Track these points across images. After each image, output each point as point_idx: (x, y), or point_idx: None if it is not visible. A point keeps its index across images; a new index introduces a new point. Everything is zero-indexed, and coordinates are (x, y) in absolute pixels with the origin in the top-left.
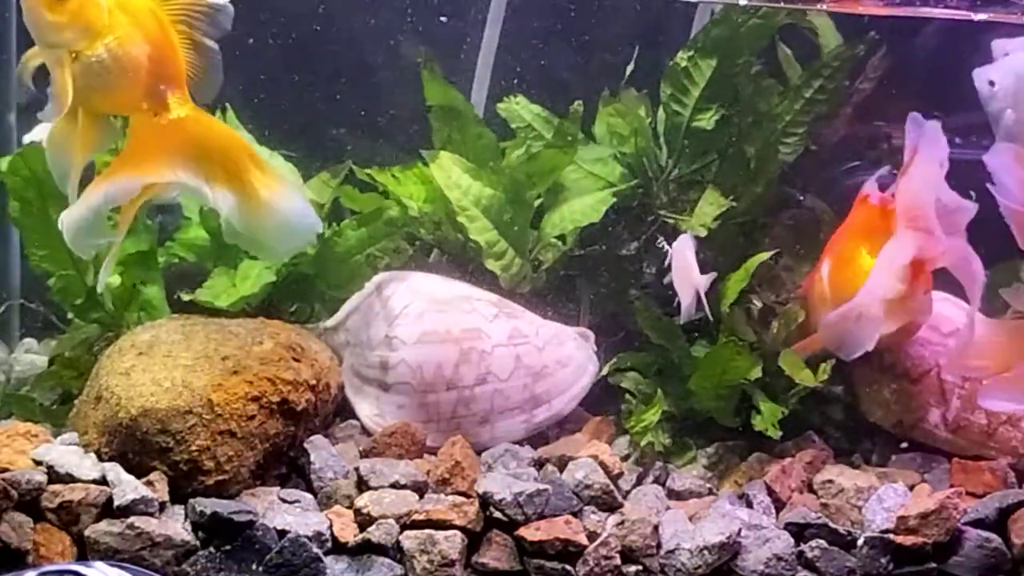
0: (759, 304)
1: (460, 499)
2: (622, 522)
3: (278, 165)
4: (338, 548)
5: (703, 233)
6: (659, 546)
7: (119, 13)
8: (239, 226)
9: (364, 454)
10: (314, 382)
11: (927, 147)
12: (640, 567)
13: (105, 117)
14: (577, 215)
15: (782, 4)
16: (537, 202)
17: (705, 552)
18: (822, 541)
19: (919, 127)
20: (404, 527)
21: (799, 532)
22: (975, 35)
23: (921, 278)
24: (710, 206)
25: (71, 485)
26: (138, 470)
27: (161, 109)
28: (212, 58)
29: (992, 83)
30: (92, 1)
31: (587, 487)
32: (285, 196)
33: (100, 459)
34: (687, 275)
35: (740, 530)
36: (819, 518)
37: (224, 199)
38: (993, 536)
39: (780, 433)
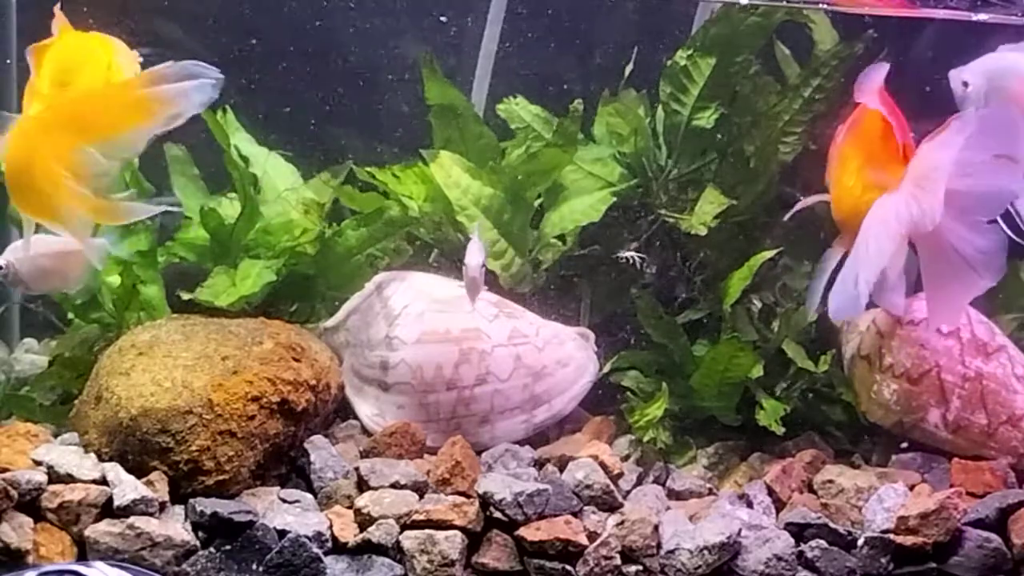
0: (759, 304)
1: (460, 499)
2: (622, 522)
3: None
4: (338, 548)
5: (703, 232)
6: (659, 546)
7: None
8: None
9: (364, 454)
10: (314, 382)
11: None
12: (640, 567)
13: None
14: (577, 215)
15: (783, 3)
16: (537, 202)
17: (705, 552)
18: (822, 541)
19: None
20: (404, 527)
21: (799, 532)
22: (977, 35)
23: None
24: (710, 205)
25: (71, 485)
26: (138, 470)
27: None
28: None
29: (966, 84)
30: None
31: (587, 487)
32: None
33: (100, 459)
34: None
35: (740, 530)
36: (819, 518)
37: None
38: (993, 536)
39: (783, 429)
